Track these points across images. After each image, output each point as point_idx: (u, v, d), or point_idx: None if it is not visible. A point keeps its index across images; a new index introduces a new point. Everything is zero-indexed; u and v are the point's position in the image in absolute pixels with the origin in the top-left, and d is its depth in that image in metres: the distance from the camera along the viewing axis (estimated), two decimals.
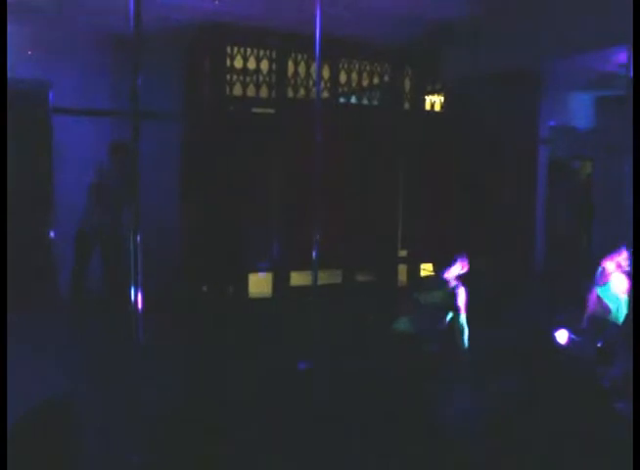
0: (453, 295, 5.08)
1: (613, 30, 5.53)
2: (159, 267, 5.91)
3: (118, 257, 6.48)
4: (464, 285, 5.15)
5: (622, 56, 6.15)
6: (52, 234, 7.14)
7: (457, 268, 5.18)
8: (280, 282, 7.43)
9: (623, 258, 5.44)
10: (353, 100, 8.00)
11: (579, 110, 9.63)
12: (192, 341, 5.82)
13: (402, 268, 8.23)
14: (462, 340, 5.11)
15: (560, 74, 7.95)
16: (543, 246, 9.12)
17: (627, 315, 5.30)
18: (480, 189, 8.14)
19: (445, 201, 8.14)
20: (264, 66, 7.18)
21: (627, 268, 5.39)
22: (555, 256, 8.86)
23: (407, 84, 7.97)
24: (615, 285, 5.48)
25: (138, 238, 3.08)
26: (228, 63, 6.98)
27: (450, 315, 5.11)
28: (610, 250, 5.69)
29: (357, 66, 7.64)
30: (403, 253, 8.25)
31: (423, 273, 8.38)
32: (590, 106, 9.70)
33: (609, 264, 5.54)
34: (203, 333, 6.03)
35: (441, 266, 5.22)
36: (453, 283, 5.15)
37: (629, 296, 5.31)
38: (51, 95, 7.00)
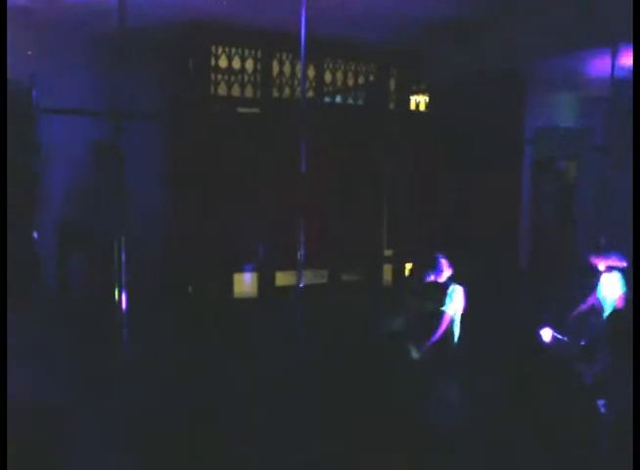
0: (450, 299, 5.11)
1: (595, 32, 5.57)
2: (143, 268, 5.90)
3: (104, 256, 6.45)
4: (463, 288, 5.17)
5: (605, 57, 6.20)
6: (37, 234, 7.09)
7: (447, 272, 5.20)
8: (265, 282, 7.42)
9: (613, 258, 5.46)
10: (338, 100, 8.01)
11: (564, 110, 9.69)
12: (176, 341, 5.80)
13: (388, 268, 8.24)
14: (453, 340, 5.15)
15: (544, 75, 7.99)
16: (528, 245, 9.16)
17: (610, 314, 5.33)
18: (466, 189, 8.17)
19: (431, 200, 8.16)
20: (249, 65, 7.16)
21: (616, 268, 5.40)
22: (540, 255, 8.90)
23: (392, 84, 7.98)
24: (604, 285, 5.50)
25: (123, 238, 3.06)
26: (213, 62, 6.96)
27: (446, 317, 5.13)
28: (594, 249, 5.73)
29: (342, 66, 7.63)
30: (389, 252, 8.26)
31: (408, 273, 8.41)
32: (574, 106, 9.75)
33: (600, 265, 5.56)
34: (187, 333, 6.01)
35: (427, 267, 5.24)
36: (451, 288, 5.17)
37: (618, 296, 5.34)
38: (34, 94, 6.94)
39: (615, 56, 6.03)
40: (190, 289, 7.24)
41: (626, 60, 6.67)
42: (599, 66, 7.00)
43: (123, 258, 3.05)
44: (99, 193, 6.38)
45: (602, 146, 7.76)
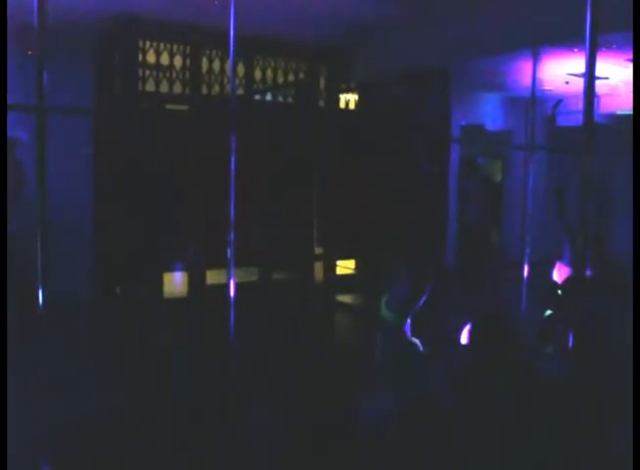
0: None
1: (518, 34, 5.73)
2: (68, 267, 5.75)
3: (12, 256, 6.26)
4: None
5: (527, 58, 6.38)
6: None
7: None
8: (195, 281, 7.34)
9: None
10: (268, 97, 8.00)
11: (489, 110, 9.94)
12: (104, 342, 5.68)
13: (319, 265, 8.28)
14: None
15: (470, 75, 8.17)
16: (456, 243, 9.37)
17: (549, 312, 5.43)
18: (394, 187, 8.29)
19: (359, 198, 8.24)
20: (178, 61, 7.07)
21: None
22: (465, 254, 9.10)
23: (322, 82, 8.03)
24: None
25: (39, 235, 2.97)
26: (140, 57, 6.84)
27: None
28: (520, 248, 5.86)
29: (272, 63, 7.63)
30: (319, 250, 8.30)
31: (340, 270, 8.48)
32: (499, 106, 10.02)
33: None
34: (115, 334, 5.89)
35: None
36: None
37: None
38: None
39: (536, 58, 6.21)
40: (118, 289, 7.11)
41: (548, 62, 6.91)
42: (524, 67, 7.21)
43: (42, 257, 2.95)
44: (18, 191, 6.20)
45: (525, 146, 8.00)
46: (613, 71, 7.20)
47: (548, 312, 4.71)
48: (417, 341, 4.93)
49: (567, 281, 4.92)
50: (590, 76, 2.61)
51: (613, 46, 5.94)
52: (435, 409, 3.93)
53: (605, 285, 4.25)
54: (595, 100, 2.72)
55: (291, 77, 7.82)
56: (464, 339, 4.58)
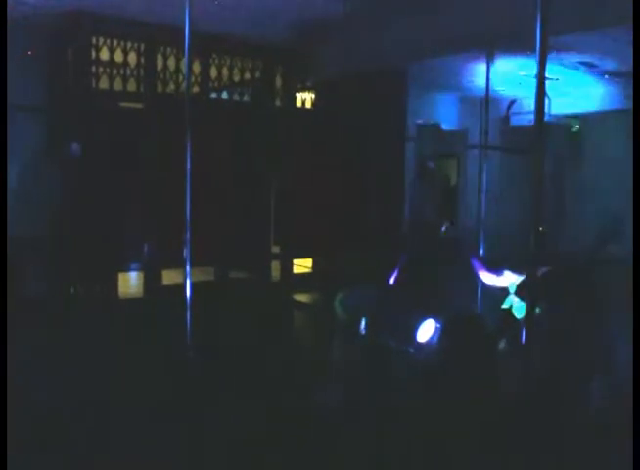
0: None
1: (472, 35, 5.80)
2: (22, 267, 5.62)
3: None
4: None
5: (481, 60, 6.47)
6: None
7: None
8: (151, 281, 7.25)
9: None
10: (225, 96, 7.95)
11: (445, 109, 10.04)
12: (58, 342, 5.58)
13: (276, 264, 8.26)
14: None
15: (426, 75, 8.24)
16: (411, 242, 9.42)
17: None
18: (350, 186, 8.32)
19: (316, 197, 8.25)
20: (132, 58, 6.97)
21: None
22: (420, 250, 9.16)
23: (279, 81, 8.01)
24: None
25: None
26: (94, 54, 6.72)
27: None
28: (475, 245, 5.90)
29: (228, 61, 7.58)
30: (276, 249, 8.28)
31: (296, 269, 8.48)
32: (454, 106, 10.12)
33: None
34: (70, 335, 5.79)
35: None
36: None
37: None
38: None
39: (490, 59, 6.29)
40: (73, 289, 6.98)
41: (503, 63, 7.01)
42: (479, 68, 7.30)
43: None
44: None
45: (479, 146, 8.09)
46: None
47: (504, 306, 4.79)
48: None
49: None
50: (541, 78, 2.66)
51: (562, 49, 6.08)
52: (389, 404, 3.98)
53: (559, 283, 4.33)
54: (546, 101, 2.78)
55: (247, 76, 7.78)
56: (423, 336, 4.64)
